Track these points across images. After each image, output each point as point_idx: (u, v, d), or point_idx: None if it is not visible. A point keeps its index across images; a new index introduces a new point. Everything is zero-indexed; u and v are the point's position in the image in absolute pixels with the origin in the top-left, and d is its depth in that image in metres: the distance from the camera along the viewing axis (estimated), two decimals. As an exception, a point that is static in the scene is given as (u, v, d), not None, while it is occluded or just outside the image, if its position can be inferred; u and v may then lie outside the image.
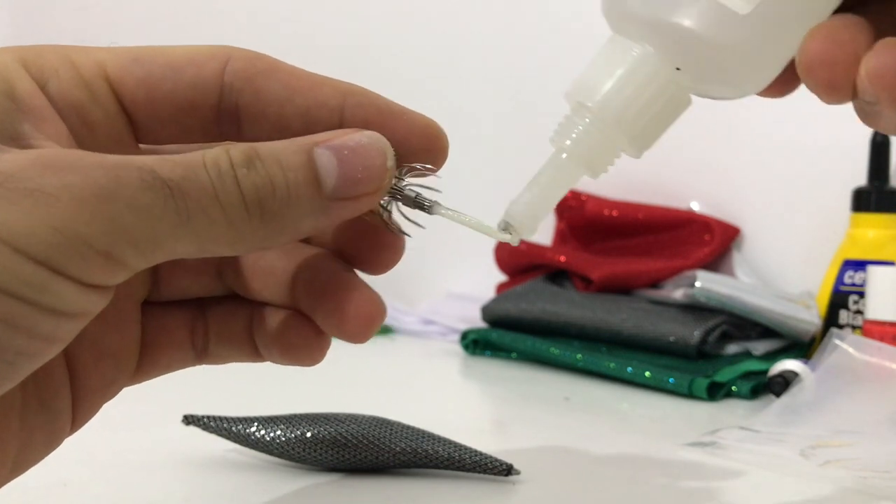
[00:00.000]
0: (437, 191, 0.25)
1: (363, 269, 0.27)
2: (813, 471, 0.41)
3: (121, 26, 1.28)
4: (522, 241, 0.89)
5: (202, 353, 0.28)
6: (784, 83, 0.26)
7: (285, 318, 0.27)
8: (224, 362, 0.29)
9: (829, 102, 0.24)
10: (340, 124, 0.25)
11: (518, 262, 0.83)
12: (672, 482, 0.40)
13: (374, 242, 0.26)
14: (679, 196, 0.85)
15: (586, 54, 0.27)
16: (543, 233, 0.89)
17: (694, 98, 0.27)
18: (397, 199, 0.25)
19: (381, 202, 0.25)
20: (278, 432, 0.38)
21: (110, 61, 0.24)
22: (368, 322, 0.26)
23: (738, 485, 0.40)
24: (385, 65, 1.06)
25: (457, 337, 0.76)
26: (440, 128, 0.26)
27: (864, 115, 0.25)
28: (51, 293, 0.20)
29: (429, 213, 0.25)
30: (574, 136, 0.26)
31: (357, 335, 0.26)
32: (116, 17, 1.29)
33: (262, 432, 0.39)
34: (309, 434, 0.38)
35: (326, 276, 0.26)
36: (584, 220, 0.86)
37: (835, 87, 0.24)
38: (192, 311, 0.28)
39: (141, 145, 0.26)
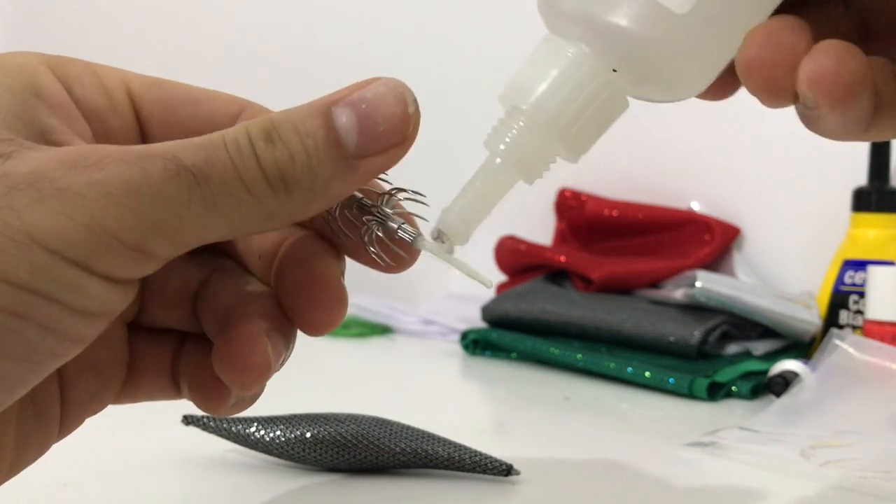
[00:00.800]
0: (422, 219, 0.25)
1: (302, 328, 0.26)
2: (813, 471, 0.41)
3: (121, 25, 1.28)
4: (523, 241, 0.89)
5: (178, 387, 0.28)
6: (724, 85, 0.26)
7: (204, 356, 0.26)
8: (189, 399, 0.28)
9: (769, 106, 0.24)
10: None
11: (518, 262, 0.83)
12: (672, 482, 0.40)
13: (314, 300, 0.25)
14: (679, 196, 0.85)
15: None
16: (543, 233, 0.89)
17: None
18: (382, 225, 0.25)
19: (369, 223, 0.25)
20: (278, 432, 0.38)
21: (133, 79, 0.25)
22: (245, 374, 0.24)
23: (738, 485, 0.40)
24: (383, 66, 1.06)
25: (457, 337, 0.76)
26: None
27: (806, 119, 0.24)
28: (83, 293, 0.20)
29: (412, 245, 0.24)
30: (508, 140, 0.25)
31: (234, 384, 0.24)
32: (117, 17, 1.29)
33: (262, 432, 0.39)
34: (308, 434, 0.38)
35: (236, 317, 0.25)
36: (584, 220, 0.86)
37: (774, 91, 0.23)
38: (175, 343, 0.28)
39: None
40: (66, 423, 0.26)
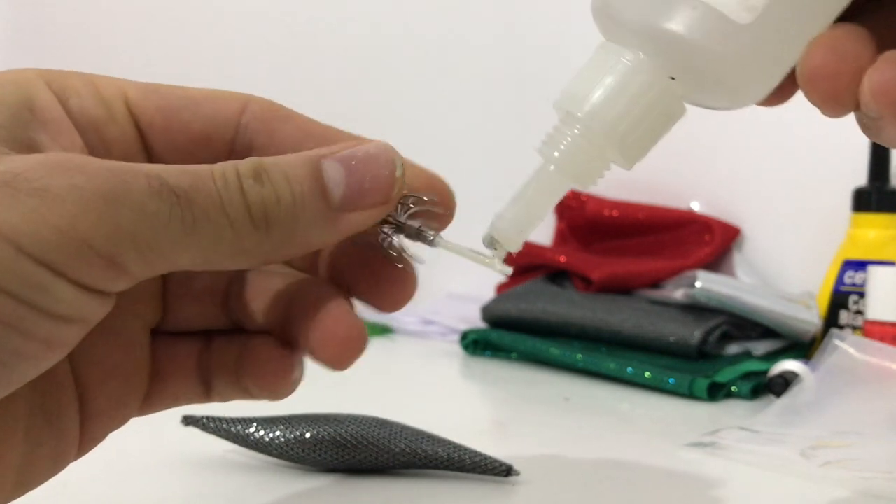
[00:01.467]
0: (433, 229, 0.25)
1: (375, 306, 0.26)
2: (813, 471, 0.41)
3: (121, 26, 1.28)
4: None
5: (208, 388, 0.27)
6: (781, 92, 0.26)
7: (260, 343, 0.26)
8: (226, 400, 0.28)
9: (829, 115, 0.24)
10: None
11: (518, 262, 0.83)
12: (672, 482, 0.40)
13: (383, 277, 0.26)
14: (679, 196, 0.85)
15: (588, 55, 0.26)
16: (543, 233, 0.89)
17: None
18: (400, 231, 0.25)
19: (385, 231, 0.25)
20: (277, 433, 0.38)
21: (131, 88, 0.25)
22: (345, 346, 0.25)
23: (738, 485, 0.40)
24: (385, 65, 1.06)
25: (457, 337, 0.76)
26: (446, 183, 0.26)
27: (866, 127, 0.24)
28: (50, 294, 0.19)
29: (430, 245, 0.25)
30: (562, 147, 0.25)
31: (334, 361, 0.25)
32: (117, 18, 1.29)
33: (262, 433, 0.39)
34: (308, 434, 0.38)
35: (314, 299, 0.25)
36: (584, 220, 0.86)
37: (837, 101, 0.23)
38: (201, 343, 0.27)
39: None
40: (88, 436, 0.25)
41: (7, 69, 0.24)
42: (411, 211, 0.25)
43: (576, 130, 0.25)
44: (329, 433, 0.38)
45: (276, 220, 0.22)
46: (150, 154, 0.25)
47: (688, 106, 0.25)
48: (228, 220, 0.21)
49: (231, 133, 0.25)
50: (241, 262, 0.22)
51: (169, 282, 0.27)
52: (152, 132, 0.25)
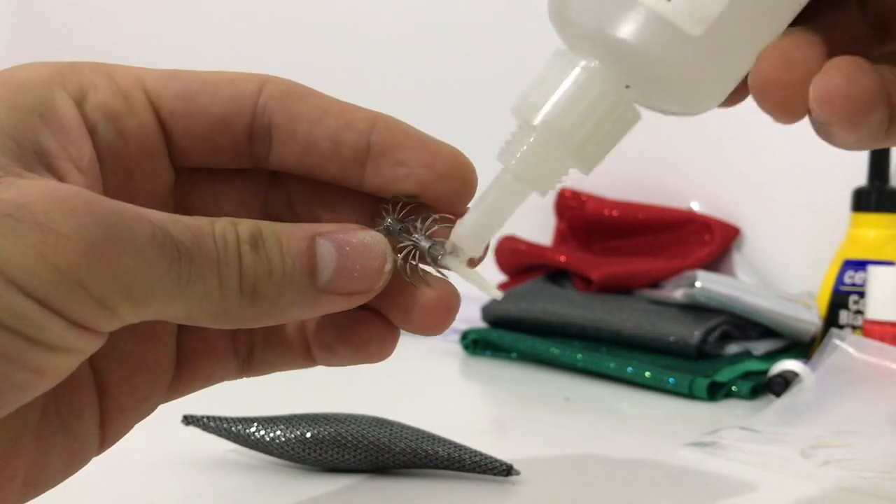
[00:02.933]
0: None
1: (408, 328, 0.26)
2: (813, 471, 0.41)
3: (121, 27, 1.28)
4: (523, 241, 0.89)
5: (246, 362, 0.27)
6: (735, 95, 0.26)
7: (351, 315, 0.26)
8: (270, 371, 0.28)
9: (782, 122, 0.24)
10: (367, 147, 0.25)
11: (518, 262, 0.83)
12: (672, 482, 0.40)
13: (409, 301, 0.25)
14: (679, 196, 0.85)
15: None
16: (543, 233, 0.89)
17: None
18: (415, 251, 0.25)
19: (400, 254, 0.25)
20: (278, 432, 0.38)
21: (149, 76, 0.25)
22: (445, 313, 0.25)
23: (738, 485, 0.40)
24: (386, 65, 1.06)
25: (457, 337, 0.76)
26: (466, 157, 0.26)
27: (819, 132, 0.24)
28: (39, 327, 0.19)
29: (438, 264, 0.25)
30: (519, 155, 0.25)
31: (432, 327, 0.25)
32: (118, 19, 1.29)
33: (262, 432, 0.39)
34: (309, 434, 0.38)
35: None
36: (584, 220, 0.86)
37: (788, 110, 0.23)
38: None
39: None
40: (111, 432, 0.25)
41: (23, 63, 0.24)
42: (431, 230, 0.25)
43: (531, 139, 0.25)
44: (329, 433, 0.38)
45: (262, 292, 0.22)
46: (169, 142, 0.25)
47: (637, 122, 0.26)
48: (220, 283, 0.21)
49: (249, 115, 0.25)
50: (221, 323, 0.22)
51: None
52: (173, 120, 0.25)
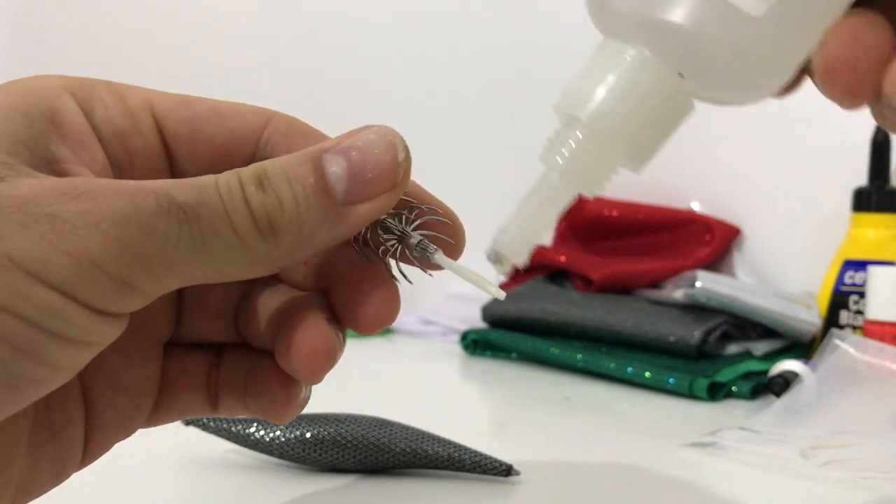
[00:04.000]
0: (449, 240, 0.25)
1: (354, 327, 0.25)
2: (813, 471, 0.41)
3: (122, 27, 1.28)
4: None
5: (215, 402, 0.27)
6: (792, 82, 0.24)
7: (267, 363, 0.26)
8: (232, 415, 0.28)
9: (846, 107, 0.23)
10: None
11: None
12: (672, 482, 0.40)
13: (367, 296, 0.25)
14: (679, 196, 0.85)
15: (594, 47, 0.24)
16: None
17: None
18: (401, 242, 0.24)
19: (385, 241, 0.24)
20: (278, 432, 0.38)
21: (158, 98, 0.25)
22: (316, 358, 0.24)
23: (738, 485, 0.40)
24: (384, 66, 1.06)
25: (457, 337, 0.76)
26: (454, 215, 0.25)
27: (884, 119, 0.23)
28: (63, 319, 0.19)
29: (430, 259, 0.24)
30: (565, 153, 0.23)
31: (304, 373, 0.24)
32: (119, 19, 1.29)
33: (262, 432, 0.39)
34: (308, 434, 0.38)
35: (291, 313, 0.25)
36: (584, 220, 0.86)
37: (856, 93, 0.22)
38: (211, 357, 0.27)
39: None
40: (92, 447, 0.25)
41: (33, 75, 0.24)
42: (416, 223, 0.24)
43: (579, 134, 0.23)
44: (329, 433, 0.38)
45: (281, 227, 0.22)
46: (172, 165, 0.25)
47: (690, 112, 0.24)
48: (235, 231, 0.21)
49: (251, 148, 0.25)
50: (256, 271, 0.22)
51: (183, 295, 0.27)
52: (177, 144, 0.25)
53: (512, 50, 0.98)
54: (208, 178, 0.21)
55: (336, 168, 0.22)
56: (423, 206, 0.24)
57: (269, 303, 0.26)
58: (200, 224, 0.21)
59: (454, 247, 0.25)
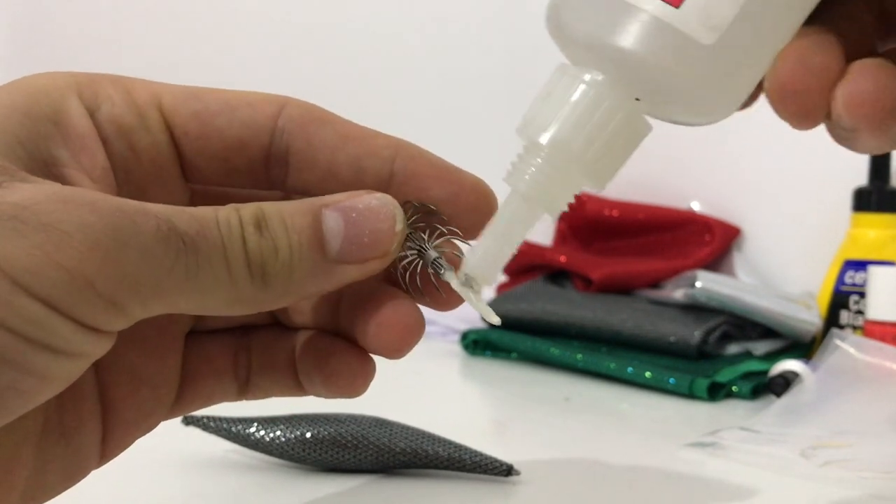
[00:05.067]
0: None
1: (376, 351, 0.26)
2: (813, 471, 0.41)
3: (122, 29, 1.28)
4: (523, 242, 0.89)
5: (244, 385, 0.27)
6: (750, 97, 0.25)
7: (328, 344, 0.26)
8: (266, 396, 0.27)
9: (799, 129, 0.23)
10: (390, 176, 0.25)
11: (518, 262, 0.83)
12: (672, 482, 0.40)
13: (386, 321, 0.25)
14: (679, 196, 0.85)
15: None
16: (544, 233, 0.89)
17: None
18: (418, 258, 0.25)
19: (405, 261, 0.24)
20: (278, 433, 0.38)
21: (166, 93, 0.25)
22: (405, 334, 0.25)
23: (738, 485, 0.40)
24: (385, 64, 1.06)
25: (457, 337, 0.76)
26: (488, 188, 0.25)
27: (840, 138, 0.24)
28: (47, 331, 0.19)
29: (439, 276, 0.24)
30: (527, 177, 0.24)
31: (393, 348, 0.25)
32: (118, 20, 1.29)
33: (262, 433, 0.39)
34: (309, 434, 0.38)
35: (366, 293, 0.25)
36: (584, 220, 0.86)
37: (807, 116, 0.22)
38: (236, 339, 0.27)
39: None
40: (111, 446, 0.25)
41: (40, 73, 0.24)
42: (438, 241, 0.24)
43: (539, 159, 0.24)
44: (329, 433, 0.38)
45: (272, 272, 0.22)
46: (182, 161, 0.25)
47: (648, 133, 0.25)
48: (228, 270, 0.21)
49: (267, 139, 0.25)
50: (236, 310, 0.22)
51: None
52: (187, 139, 0.25)
53: (513, 49, 0.98)
54: (209, 211, 0.21)
55: (333, 225, 0.22)
56: (444, 227, 0.25)
57: None
58: (197, 255, 0.21)
59: (486, 215, 0.25)
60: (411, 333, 0.25)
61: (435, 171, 0.25)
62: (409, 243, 0.24)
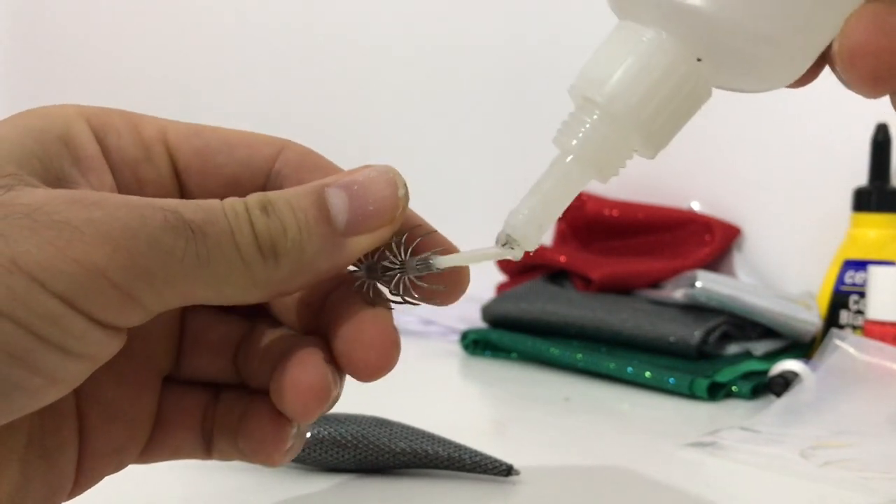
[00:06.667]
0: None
1: (353, 373, 0.25)
2: (813, 471, 0.41)
3: (122, 26, 1.28)
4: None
5: (209, 444, 0.27)
6: (811, 71, 0.24)
7: (260, 405, 0.25)
8: (228, 459, 0.27)
9: (869, 96, 0.22)
10: None
11: (518, 262, 0.83)
12: (672, 482, 0.40)
13: (367, 343, 0.24)
14: (679, 196, 0.85)
15: (596, 42, 0.24)
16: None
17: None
18: (403, 271, 0.24)
19: (390, 279, 0.24)
20: (278, 432, 0.38)
21: (171, 129, 0.25)
22: (308, 395, 0.24)
23: (738, 485, 0.40)
24: (385, 63, 1.06)
25: (457, 337, 0.76)
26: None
27: None
28: (61, 328, 0.19)
29: (437, 270, 0.24)
30: (580, 135, 0.23)
31: (295, 409, 0.24)
32: (119, 19, 1.29)
33: (262, 432, 0.38)
34: (308, 434, 0.38)
35: (286, 350, 0.25)
36: (584, 220, 0.85)
37: (880, 80, 0.21)
38: (208, 397, 0.27)
39: None
40: (84, 477, 0.25)
41: (53, 105, 0.24)
42: (411, 248, 0.24)
43: (595, 116, 0.23)
44: (329, 433, 0.38)
45: (283, 250, 0.22)
46: (184, 195, 0.26)
47: (708, 98, 0.24)
48: (239, 253, 0.21)
49: (262, 180, 0.26)
50: (255, 294, 0.22)
51: (186, 329, 0.27)
52: (188, 175, 0.25)
53: (515, 48, 0.98)
54: (214, 201, 0.22)
55: (337, 201, 0.23)
56: (409, 230, 0.24)
57: (270, 343, 0.26)
58: (206, 242, 0.21)
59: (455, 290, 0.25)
60: (317, 396, 0.24)
61: (413, 226, 0.25)
62: (385, 265, 0.24)
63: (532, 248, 0.24)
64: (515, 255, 0.23)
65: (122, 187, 0.25)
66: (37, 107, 0.24)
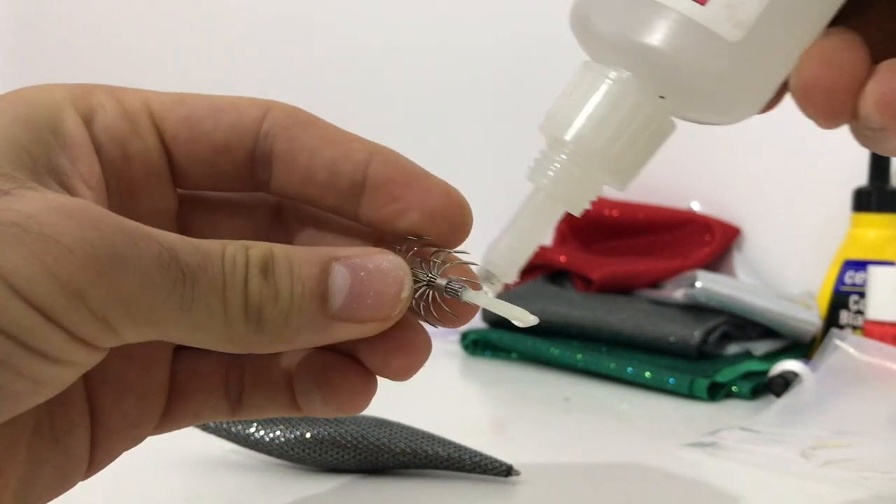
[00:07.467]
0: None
1: (385, 375, 0.25)
2: (813, 471, 0.41)
3: (122, 27, 1.28)
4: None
5: (237, 403, 0.27)
6: (773, 99, 0.25)
7: (328, 360, 0.26)
8: (260, 415, 0.27)
9: (825, 128, 0.23)
10: (363, 180, 0.25)
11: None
12: (672, 482, 0.40)
13: (394, 344, 0.24)
14: (679, 196, 0.85)
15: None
16: (543, 233, 0.89)
17: None
18: (428, 290, 0.24)
19: (417, 294, 0.24)
20: (278, 433, 0.38)
21: (155, 100, 0.25)
22: (413, 356, 0.24)
23: (738, 485, 0.40)
24: (385, 64, 1.06)
25: (457, 337, 0.76)
26: (460, 195, 0.25)
27: (866, 139, 0.23)
28: (40, 338, 0.19)
29: (463, 301, 0.24)
30: (551, 174, 0.24)
31: (400, 371, 0.24)
32: (118, 18, 1.29)
33: (262, 433, 0.39)
34: (308, 434, 0.38)
35: None
36: (584, 220, 0.85)
37: (833, 114, 0.22)
38: (229, 356, 0.27)
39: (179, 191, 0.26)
40: (99, 455, 0.25)
41: (36, 85, 0.24)
42: (443, 269, 0.24)
43: (563, 156, 0.24)
44: (329, 433, 0.38)
45: (268, 318, 0.21)
46: (172, 166, 0.25)
47: (672, 132, 0.25)
48: (224, 309, 0.21)
49: (251, 142, 0.25)
50: (227, 348, 0.22)
51: None
52: (176, 144, 0.25)
53: (515, 48, 0.98)
54: (216, 245, 0.21)
55: (340, 281, 0.22)
56: (445, 249, 0.24)
57: None
58: (195, 289, 0.20)
59: (458, 223, 0.25)
60: (420, 357, 0.24)
61: (405, 176, 0.25)
62: (416, 275, 0.24)
63: (510, 280, 0.25)
64: (496, 289, 0.25)
65: (110, 167, 0.24)
66: (17, 90, 0.23)
